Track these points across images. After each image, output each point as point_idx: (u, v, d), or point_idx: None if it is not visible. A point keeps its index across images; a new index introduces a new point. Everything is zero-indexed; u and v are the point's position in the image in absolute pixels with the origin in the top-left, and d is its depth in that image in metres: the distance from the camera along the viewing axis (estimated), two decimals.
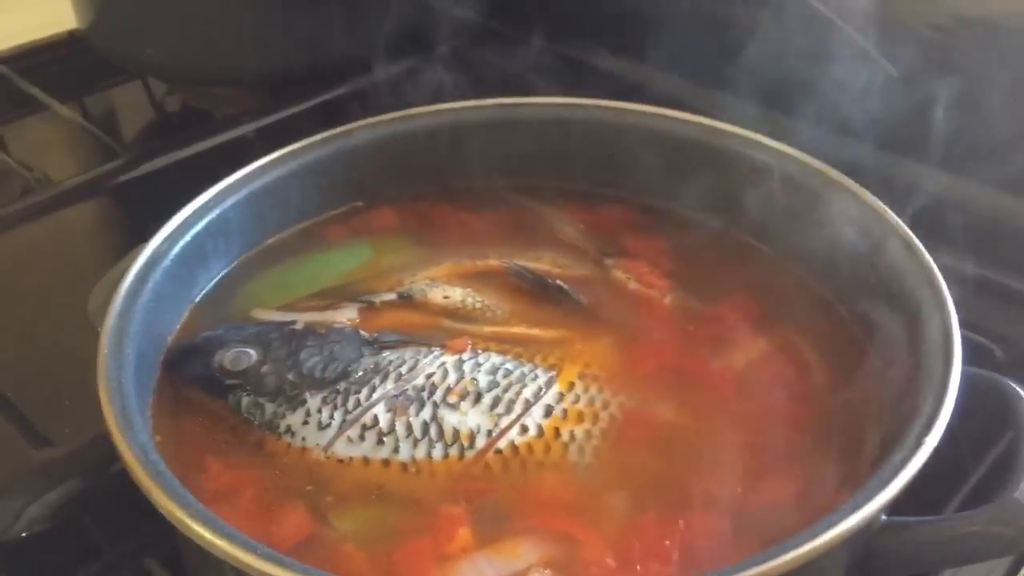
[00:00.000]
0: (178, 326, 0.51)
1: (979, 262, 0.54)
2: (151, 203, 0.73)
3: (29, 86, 0.87)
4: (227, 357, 0.47)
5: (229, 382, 0.47)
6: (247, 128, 0.81)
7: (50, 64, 0.92)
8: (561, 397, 0.47)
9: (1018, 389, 0.44)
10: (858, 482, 0.41)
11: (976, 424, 0.47)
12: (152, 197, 0.74)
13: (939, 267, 0.47)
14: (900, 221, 0.50)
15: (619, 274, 0.56)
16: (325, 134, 0.57)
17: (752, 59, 0.64)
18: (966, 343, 0.43)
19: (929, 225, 0.51)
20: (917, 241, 0.48)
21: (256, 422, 0.46)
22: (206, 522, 0.36)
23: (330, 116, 0.84)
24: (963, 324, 0.44)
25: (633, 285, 0.55)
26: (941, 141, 0.57)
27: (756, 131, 0.57)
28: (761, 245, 0.57)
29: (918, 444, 0.39)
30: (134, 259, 0.48)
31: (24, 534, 0.50)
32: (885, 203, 0.51)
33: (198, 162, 0.77)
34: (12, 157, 0.81)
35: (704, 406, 0.48)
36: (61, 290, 0.65)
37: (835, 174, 0.53)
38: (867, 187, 0.53)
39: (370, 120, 0.58)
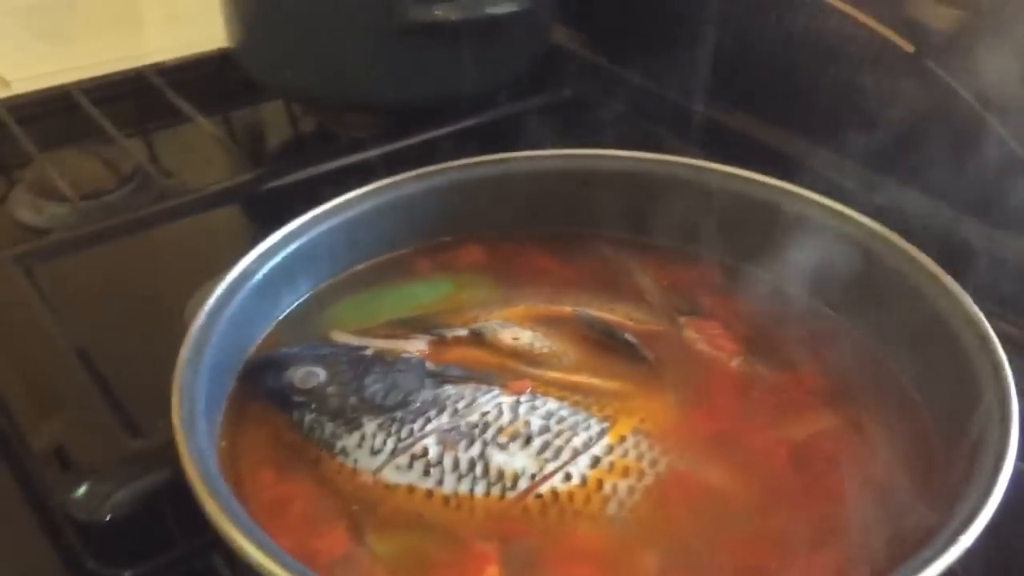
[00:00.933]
0: (261, 339, 0.54)
1: None
2: (274, 216, 0.78)
3: (178, 98, 0.93)
4: (298, 375, 0.50)
5: (296, 399, 0.50)
6: (373, 153, 0.85)
7: (199, 80, 0.98)
8: (610, 449, 0.48)
9: None
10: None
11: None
12: (275, 210, 0.78)
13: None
14: (979, 313, 0.48)
15: (690, 333, 0.56)
16: (419, 171, 0.60)
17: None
18: None
19: None
20: (993, 336, 0.47)
21: (315, 440, 0.49)
22: (240, 528, 0.38)
23: (452, 147, 0.87)
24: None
25: (702, 345, 0.55)
26: None
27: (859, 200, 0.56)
28: (840, 318, 0.56)
29: (952, 541, 0.38)
30: (225, 277, 0.52)
31: (109, 517, 0.54)
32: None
33: (324, 180, 0.81)
34: (155, 164, 0.87)
35: (753, 475, 0.48)
36: (175, 290, 0.70)
37: (923, 258, 0.52)
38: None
39: (465, 161, 0.60)
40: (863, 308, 0.55)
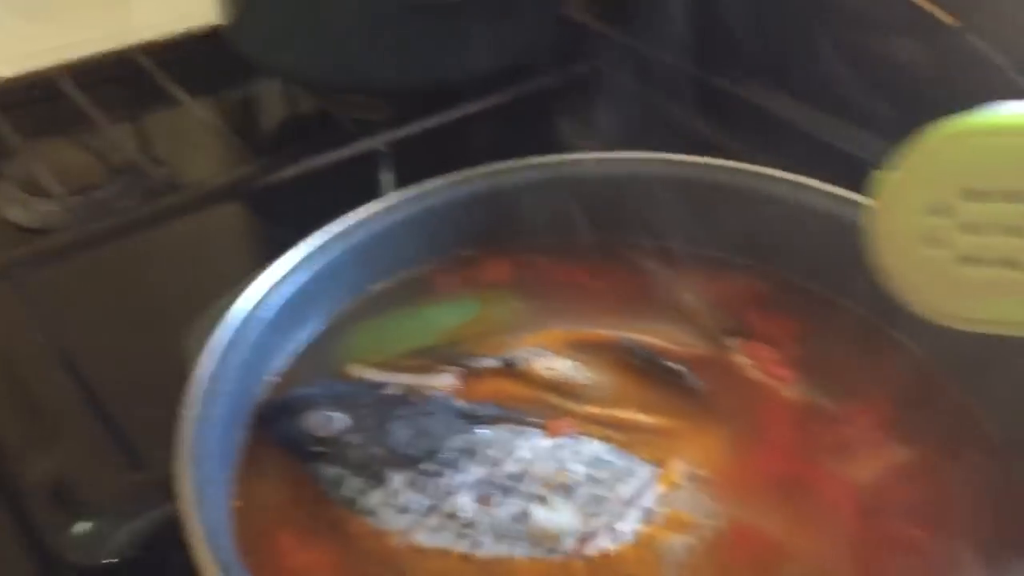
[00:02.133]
0: (272, 379, 0.49)
1: None
2: (279, 213, 0.73)
3: (168, 81, 0.87)
4: (314, 420, 0.46)
5: (314, 448, 0.45)
6: (380, 139, 0.80)
7: (190, 60, 0.92)
8: (663, 500, 0.44)
9: None
10: None
11: None
12: (280, 206, 0.74)
13: None
14: None
15: (741, 358, 0.51)
16: (439, 181, 0.55)
17: None
18: None
19: None
20: None
21: (335, 497, 0.44)
22: None
23: (464, 132, 0.82)
24: None
25: (754, 372, 0.51)
26: None
27: None
28: (906, 340, 0.51)
29: None
30: (232, 305, 0.47)
31: (108, 559, 0.50)
32: None
33: (329, 172, 0.76)
34: (145, 154, 0.82)
35: (818, 525, 0.44)
36: (175, 299, 0.65)
37: None
38: None
39: (487, 168, 0.55)
40: (929, 328, 0.50)
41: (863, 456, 0.47)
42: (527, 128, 0.83)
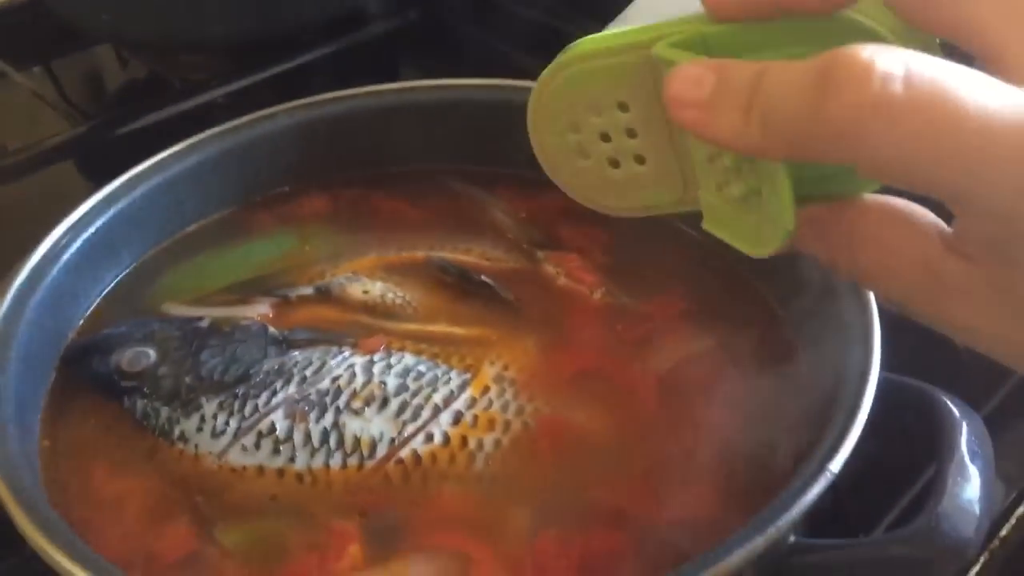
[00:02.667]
0: (82, 321, 0.49)
1: None
2: (115, 173, 0.71)
3: None
4: (124, 357, 0.46)
5: (125, 384, 0.45)
6: (213, 94, 0.79)
7: (11, 31, 0.89)
8: (473, 402, 0.45)
9: (947, 402, 0.42)
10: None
11: (906, 439, 0.45)
12: (116, 166, 0.72)
13: None
14: None
15: (549, 268, 0.53)
16: (246, 118, 0.55)
17: None
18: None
19: None
20: None
21: (150, 427, 0.44)
22: (60, 548, 0.34)
23: (299, 82, 0.82)
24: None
25: (562, 280, 0.53)
26: None
27: None
28: (703, 238, 0.54)
29: (821, 469, 0.37)
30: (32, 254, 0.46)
31: None
32: None
33: (164, 127, 0.75)
34: None
35: (621, 413, 0.46)
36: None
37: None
38: None
39: (295, 103, 0.56)
40: None
41: (664, 347, 0.49)
42: (364, 76, 0.84)
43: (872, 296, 0.44)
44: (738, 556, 0.35)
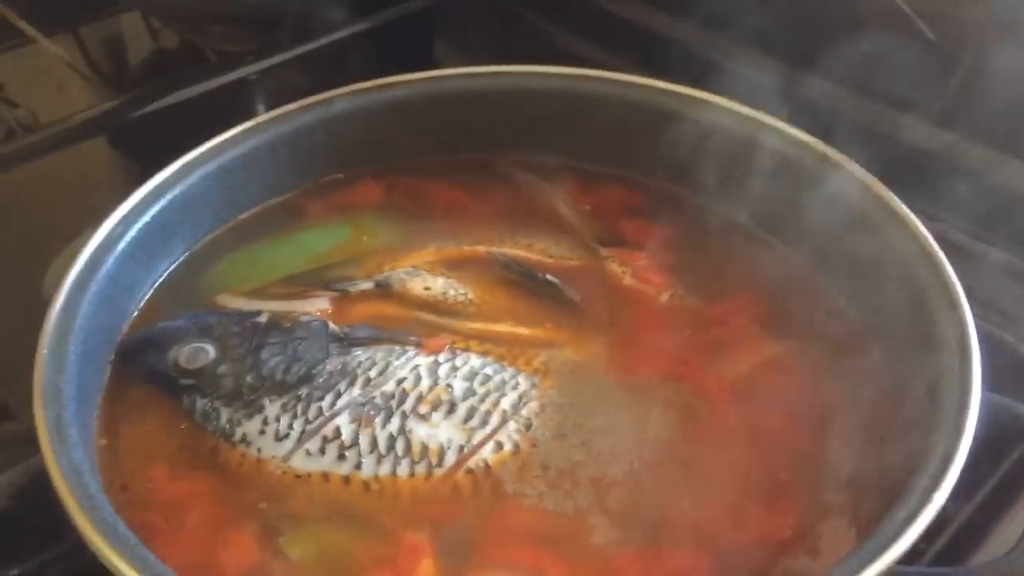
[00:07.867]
0: (136, 312, 0.47)
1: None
2: (147, 149, 0.69)
3: (16, 18, 0.82)
4: (183, 353, 0.44)
5: (184, 381, 0.44)
6: (247, 70, 0.76)
7: None
8: (543, 409, 0.44)
9: None
10: (860, 519, 0.38)
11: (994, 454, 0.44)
12: (147, 142, 0.70)
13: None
14: (933, 243, 0.45)
15: (614, 266, 0.52)
16: (302, 102, 0.53)
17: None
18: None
19: None
20: (949, 271, 0.43)
21: (210, 428, 0.43)
22: (127, 558, 0.32)
23: (332, 61, 0.79)
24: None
25: (628, 280, 0.51)
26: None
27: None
28: (777, 242, 0.52)
29: (926, 500, 0.35)
30: (87, 242, 0.44)
31: None
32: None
33: (197, 104, 0.73)
34: None
35: (696, 422, 0.45)
36: (41, 245, 0.61)
37: (870, 179, 0.48)
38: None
39: (352, 88, 0.53)
40: (803, 232, 0.51)
41: (735, 352, 0.48)
42: (401, 52, 0.81)
43: (967, 306, 0.42)
44: None
